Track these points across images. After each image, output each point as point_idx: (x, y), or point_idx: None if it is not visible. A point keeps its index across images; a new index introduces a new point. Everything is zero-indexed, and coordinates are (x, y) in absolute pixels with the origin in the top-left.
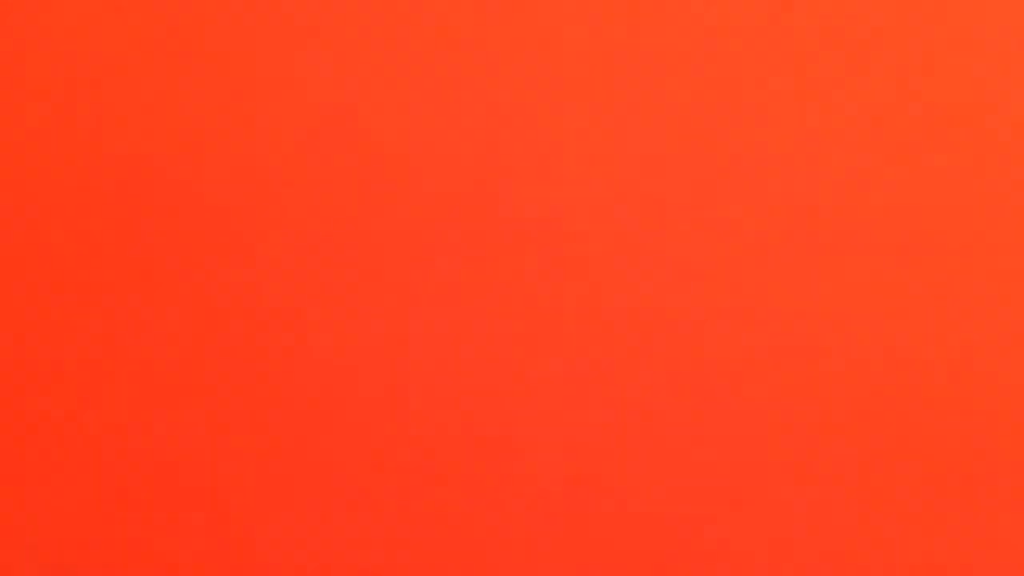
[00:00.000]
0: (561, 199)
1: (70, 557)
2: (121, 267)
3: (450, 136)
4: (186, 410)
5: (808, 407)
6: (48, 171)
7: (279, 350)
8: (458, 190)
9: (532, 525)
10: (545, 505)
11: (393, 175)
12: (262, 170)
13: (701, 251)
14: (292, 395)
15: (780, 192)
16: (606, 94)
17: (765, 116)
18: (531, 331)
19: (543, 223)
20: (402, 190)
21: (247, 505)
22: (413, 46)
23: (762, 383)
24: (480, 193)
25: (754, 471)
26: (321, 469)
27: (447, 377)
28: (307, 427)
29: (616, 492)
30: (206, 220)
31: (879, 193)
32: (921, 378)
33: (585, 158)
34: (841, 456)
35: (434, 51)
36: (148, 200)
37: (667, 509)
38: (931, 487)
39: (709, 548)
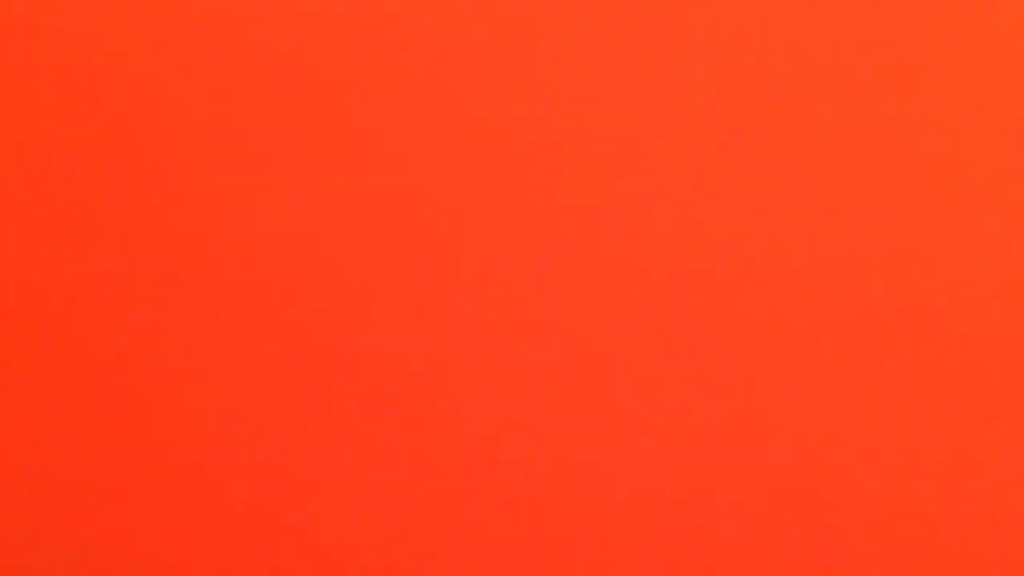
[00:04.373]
0: (559, 197)
1: (71, 555)
2: (121, 258)
3: (447, 133)
4: (182, 404)
5: (806, 404)
6: (46, 163)
7: (276, 348)
8: (455, 187)
9: (529, 524)
10: (542, 504)
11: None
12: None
13: (701, 252)
14: (290, 393)
15: (779, 193)
16: (605, 94)
17: (764, 117)
18: (529, 330)
19: (541, 220)
20: (398, 177)
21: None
22: (418, 42)
23: (760, 379)
24: (479, 189)
25: (751, 467)
26: (318, 469)
27: (443, 375)
28: (304, 424)
29: (612, 491)
30: (204, 217)
31: (878, 194)
32: (919, 377)
33: (583, 158)
34: (840, 455)
35: (433, 50)
36: (147, 197)
37: (664, 508)
38: (929, 491)
39: (704, 545)
